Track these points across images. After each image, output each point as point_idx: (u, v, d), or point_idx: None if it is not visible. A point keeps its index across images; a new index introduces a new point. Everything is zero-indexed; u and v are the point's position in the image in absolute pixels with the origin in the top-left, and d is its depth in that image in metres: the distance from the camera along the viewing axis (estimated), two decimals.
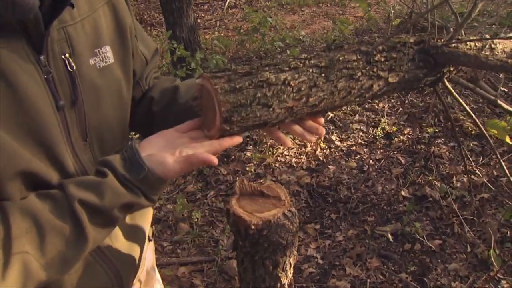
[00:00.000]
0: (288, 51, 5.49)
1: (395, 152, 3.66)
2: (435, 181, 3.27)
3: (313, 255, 2.86)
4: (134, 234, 1.11)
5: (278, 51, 5.78)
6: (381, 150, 3.75)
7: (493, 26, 4.23)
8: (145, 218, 1.18)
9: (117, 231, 1.03)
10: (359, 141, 3.92)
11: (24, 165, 0.78)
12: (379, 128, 4.00)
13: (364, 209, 3.15)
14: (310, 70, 0.96)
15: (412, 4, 4.70)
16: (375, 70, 1.05)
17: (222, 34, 7.00)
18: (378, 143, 3.85)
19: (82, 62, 0.89)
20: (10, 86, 0.76)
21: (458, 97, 1.21)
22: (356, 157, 3.71)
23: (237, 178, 3.09)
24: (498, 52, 1.24)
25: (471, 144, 3.65)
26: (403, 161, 3.59)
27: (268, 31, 6.04)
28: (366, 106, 4.42)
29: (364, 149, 3.80)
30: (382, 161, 3.62)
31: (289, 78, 0.93)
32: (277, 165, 3.62)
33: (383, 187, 3.32)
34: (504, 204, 3.03)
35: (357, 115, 4.26)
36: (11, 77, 0.76)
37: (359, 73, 1.02)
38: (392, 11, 6.14)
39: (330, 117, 4.24)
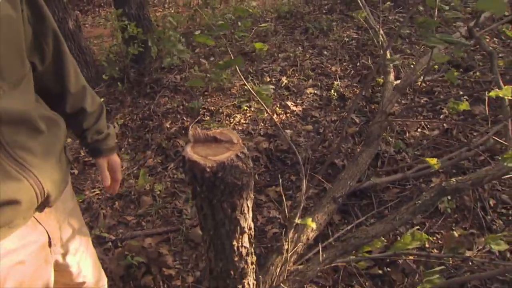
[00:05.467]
0: (239, 23, 5.49)
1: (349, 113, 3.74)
2: (389, 138, 3.37)
3: (275, 216, 2.93)
4: (50, 149, 1.23)
5: (229, 23, 5.78)
6: (336, 112, 3.83)
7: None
8: (58, 135, 1.29)
9: (33, 145, 1.15)
10: (314, 104, 3.98)
11: None
12: (332, 91, 4.07)
13: (322, 169, 3.22)
14: None
15: None
16: None
17: (172, 11, 6.94)
18: (332, 105, 3.93)
19: None
20: None
21: None
22: (311, 120, 3.78)
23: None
24: None
25: (422, 100, 3.78)
26: (357, 120, 3.69)
27: (218, 4, 6.02)
28: (319, 71, 4.49)
29: (320, 112, 3.87)
30: (337, 122, 3.70)
31: None
32: None
33: (339, 146, 3.39)
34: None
35: (310, 80, 4.33)
36: None
37: None
38: None
39: (284, 83, 4.30)
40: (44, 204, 1.20)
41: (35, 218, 1.21)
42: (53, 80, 1.35)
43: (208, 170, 1.04)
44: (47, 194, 1.18)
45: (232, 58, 1.98)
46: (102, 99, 4.06)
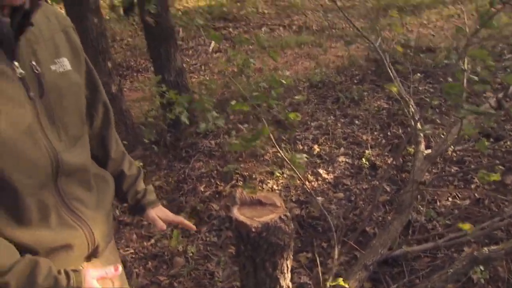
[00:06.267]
0: (272, 92, 5.67)
1: (381, 181, 3.80)
2: (420, 206, 3.40)
3: (306, 282, 2.95)
4: (100, 203, 1.37)
5: (262, 90, 5.97)
6: (367, 180, 3.89)
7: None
8: (107, 191, 1.44)
9: (86, 198, 1.29)
10: (346, 172, 4.06)
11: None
12: (364, 159, 4.15)
13: (354, 237, 3.25)
14: None
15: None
16: None
17: (207, 78, 7.19)
18: (363, 173, 4.00)
19: (45, 68, 1.17)
20: None
21: None
22: (343, 188, 3.84)
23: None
24: None
25: (453, 170, 3.82)
26: (388, 189, 3.73)
27: (252, 73, 6.23)
28: (351, 139, 4.59)
29: (351, 180, 3.94)
30: (368, 191, 3.75)
31: None
32: None
33: (370, 214, 3.43)
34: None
35: (342, 148, 4.42)
36: None
37: None
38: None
39: (316, 151, 4.39)
40: (93, 253, 1.31)
41: (82, 268, 1.30)
42: (97, 144, 1.50)
43: (253, 230, 1.13)
44: (97, 244, 1.29)
45: (266, 126, 2.09)
46: (138, 161, 4.22)
